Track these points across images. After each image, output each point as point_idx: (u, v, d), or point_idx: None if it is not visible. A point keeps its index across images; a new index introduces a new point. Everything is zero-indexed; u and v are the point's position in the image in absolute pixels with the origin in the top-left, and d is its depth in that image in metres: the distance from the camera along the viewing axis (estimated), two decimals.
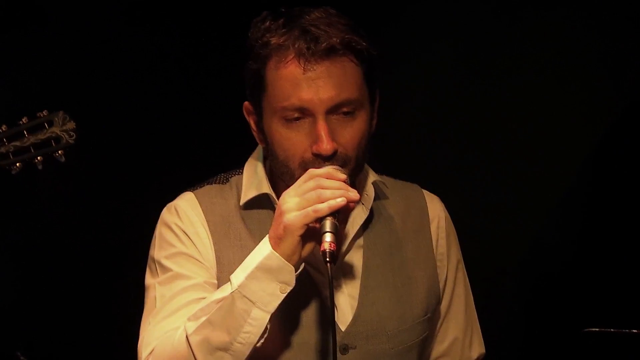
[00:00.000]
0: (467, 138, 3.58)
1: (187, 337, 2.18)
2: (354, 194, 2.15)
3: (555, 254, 3.54)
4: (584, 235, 3.50)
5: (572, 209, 3.52)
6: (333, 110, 2.19)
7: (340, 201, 2.11)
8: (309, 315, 2.30)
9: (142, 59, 3.56)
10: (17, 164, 2.78)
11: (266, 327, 2.16)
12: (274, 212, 2.28)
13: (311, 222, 2.12)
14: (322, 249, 2.10)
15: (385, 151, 2.53)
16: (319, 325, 2.29)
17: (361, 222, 2.37)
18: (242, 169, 2.42)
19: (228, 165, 2.49)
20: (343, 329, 2.32)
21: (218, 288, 2.28)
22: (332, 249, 2.09)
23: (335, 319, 2.29)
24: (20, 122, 2.78)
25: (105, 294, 3.55)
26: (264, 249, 2.16)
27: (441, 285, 2.47)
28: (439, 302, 2.48)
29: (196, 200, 2.37)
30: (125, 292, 3.43)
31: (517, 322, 3.57)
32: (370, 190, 2.39)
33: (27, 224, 3.52)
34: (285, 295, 2.16)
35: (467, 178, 3.57)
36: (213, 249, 2.33)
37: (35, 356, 3.26)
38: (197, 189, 2.41)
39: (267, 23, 2.23)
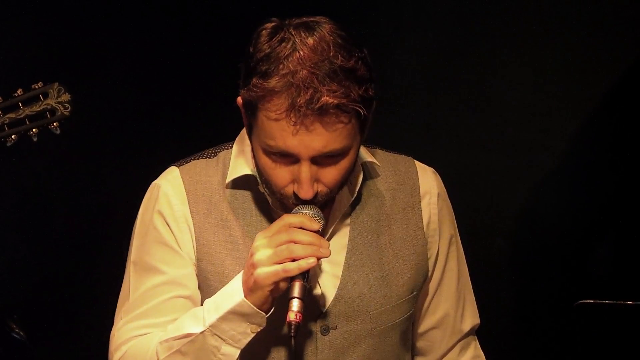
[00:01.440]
0: (461, 109, 3.58)
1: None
2: (325, 250, 2.15)
3: (549, 225, 3.54)
4: (579, 206, 3.50)
5: (567, 181, 3.52)
6: (318, 157, 2.18)
7: (311, 262, 2.12)
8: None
9: (139, 30, 3.54)
10: (12, 136, 2.78)
11: None
12: (258, 193, 2.31)
13: (281, 280, 2.13)
14: (287, 319, 2.11)
15: (379, 122, 2.50)
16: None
17: (348, 204, 2.35)
18: (232, 143, 2.40)
19: (223, 137, 2.47)
20: (324, 309, 2.31)
21: (197, 270, 2.32)
22: (297, 320, 2.10)
23: (317, 301, 2.32)
24: (15, 94, 2.78)
25: (99, 264, 3.56)
26: (236, 294, 2.17)
27: (431, 261, 2.45)
28: (426, 279, 2.46)
29: (180, 179, 2.36)
30: (120, 264, 3.45)
31: (511, 295, 3.58)
32: (359, 173, 2.36)
33: (22, 196, 3.51)
34: (255, 333, 2.20)
35: (460, 147, 3.57)
36: (193, 230, 2.33)
37: (28, 323, 3.27)
38: (183, 164, 2.39)
39: (271, 45, 2.15)
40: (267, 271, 2.12)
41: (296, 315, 2.10)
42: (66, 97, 2.77)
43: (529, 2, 3.49)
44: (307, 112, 2.10)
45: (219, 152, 2.39)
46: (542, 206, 3.56)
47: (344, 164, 2.21)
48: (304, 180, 2.16)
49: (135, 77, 3.53)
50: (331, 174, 2.20)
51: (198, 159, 2.39)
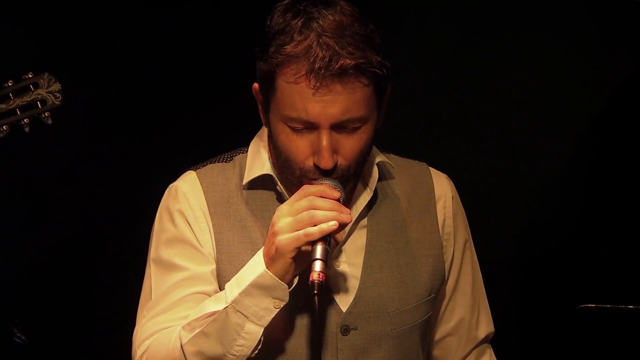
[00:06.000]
0: (465, 114, 3.57)
1: (181, 345, 2.22)
2: (346, 215, 2.15)
3: (551, 229, 3.52)
4: (581, 210, 3.48)
5: (568, 185, 3.51)
6: (338, 126, 2.19)
7: (332, 225, 2.12)
8: (307, 309, 2.29)
9: (132, 17, 3.51)
10: (4, 127, 2.81)
11: (260, 340, 2.19)
12: (276, 193, 2.33)
13: (303, 245, 2.13)
14: (310, 279, 2.10)
15: (391, 129, 2.50)
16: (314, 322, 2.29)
17: (364, 204, 2.36)
18: (247, 148, 2.42)
19: (228, 138, 2.47)
20: (344, 309, 2.31)
21: (217, 271, 2.31)
22: (320, 279, 2.09)
23: (337, 301, 2.31)
24: (6, 84, 2.80)
25: (94, 258, 3.53)
26: (258, 266, 2.18)
27: (447, 265, 2.45)
28: (443, 282, 2.46)
29: (197, 181, 2.37)
30: (115, 257, 3.42)
31: (513, 298, 3.56)
32: (374, 172, 2.38)
33: (15, 187, 3.48)
34: (278, 309, 2.18)
35: (462, 151, 3.55)
36: (212, 231, 2.33)
37: (30, 328, 3.25)
38: (199, 167, 2.40)
39: (286, 19, 2.20)
40: (288, 237, 2.13)
41: (319, 274, 2.10)
42: (57, 86, 2.81)
43: (533, 7, 3.48)
44: (326, 73, 2.13)
45: (235, 156, 2.41)
46: (543, 210, 3.55)
47: (362, 135, 2.22)
48: (324, 148, 2.18)
49: (128, 66, 3.50)
50: (349, 145, 2.21)
51: (214, 163, 2.41)
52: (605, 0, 3.41)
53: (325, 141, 2.17)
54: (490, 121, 3.53)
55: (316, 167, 2.20)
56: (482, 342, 2.52)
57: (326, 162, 2.18)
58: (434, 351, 2.52)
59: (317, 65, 2.13)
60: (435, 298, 2.42)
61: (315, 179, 2.21)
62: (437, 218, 2.44)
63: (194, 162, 2.42)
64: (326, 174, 2.20)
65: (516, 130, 3.52)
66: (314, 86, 2.14)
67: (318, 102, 2.15)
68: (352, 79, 2.15)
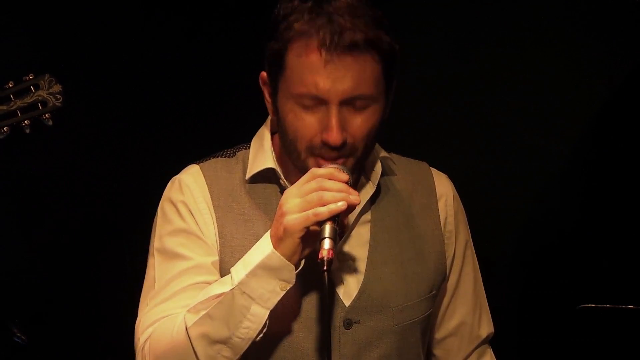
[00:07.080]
0: (464, 114, 3.57)
1: (186, 328, 2.21)
2: (355, 197, 2.15)
3: (551, 229, 3.52)
4: (581, 210, 3.48)
5: (568, 185, 3.51)
6: (347, 102, 2.19)
7: (340, 205, 2.12)
8: (311, 301, 2.31)
9: (134, 18, 3.51)
10: (5, 128, 2.81)
11: (265, 323, 2.19)
12: (279, 187, 2.34)
13: (311, 225, 2.13)
14: (320, 256, 2.10)
15: (392, 129, 2.50)
16: (320, 310, 2.30)
17: (368, 197, 2.37)
18: (249, 145, 2.43)
19: (228, 139, 2.48)
20: (347, 303, 2.32)
21: (220, 264, 2.32)
22: (329, 256, 2.10)
23: (340, 295, 2.32)
24: (6, 86, 2.81)
25: (94, 259, 3.53)
26: (265, 247, 2.18)
27: (448, 262, 2.47)
28: (444, 280, 2.47)
29: (201, 174, 2.38)
30: (118, 258, 3.42)
31: (513, 298, 3.56)
32: (377, 166, 2.39)
33: (16, 188, 3.48)
34: (285, 292, 2.18)
35: (462, 152, 3.55)
36: (215, 223, 2.34)
37: (30, 328, 3.25)
38: (202, 162, 2.41)
39: (294, 3, 2.22)
40: (297, 217, 2.12)
41: (328, 252, 2.10)
42: (57, 87, 2.82)
43: (533, 7, 3.49)
44: (337, 47, 2.14)
45: (237, 151, 2.42)
46: (543, 210, 3.55)
47: (370, 116, 2.23)
48: (333, 124, 2.18)
49: (129, 66, 3.49)
50: (357, 124, 2.21)
51: (217, 158, 2.41)
52: (605, 0, 3.41)
53: (334, 117, 2.18)
54: (490, 121, 3.53)
55: (324, 144, 2.20)
56: (483, 342, 2.54)
57: (335, 138, 2.18)
58: (436, 351, 2.53)
59: (328, 40, 2.14)
60: (435, 295, 2.43)
61: (323, 156, 2.21)
62: (439, 215, 2.46)
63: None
64: (334, 149, 2.20)
65: (516, 131, 3.52)
66: (325, 59, 2.15)
67: (329, 77, 2.16)
68: (363, 53, 2.16)
